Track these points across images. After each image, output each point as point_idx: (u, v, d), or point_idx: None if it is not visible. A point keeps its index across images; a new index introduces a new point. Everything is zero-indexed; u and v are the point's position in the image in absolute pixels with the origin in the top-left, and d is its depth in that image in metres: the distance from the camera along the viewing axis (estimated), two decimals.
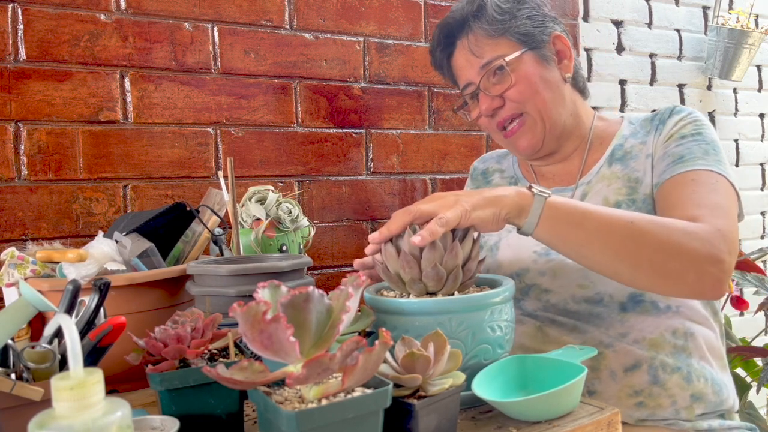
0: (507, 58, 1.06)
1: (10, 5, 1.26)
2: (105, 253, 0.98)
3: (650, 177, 1.04)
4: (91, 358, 0.72)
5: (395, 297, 0.80)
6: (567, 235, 0.87)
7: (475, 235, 0.84)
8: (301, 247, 1.29)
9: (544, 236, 0.87)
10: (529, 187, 0.87)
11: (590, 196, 1.09)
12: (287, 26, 1.55)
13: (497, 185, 1.27)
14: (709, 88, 2.36)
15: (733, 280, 1.76)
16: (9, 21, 1.26)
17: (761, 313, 2.46)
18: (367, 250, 0.85)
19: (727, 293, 1.66)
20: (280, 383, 0.60)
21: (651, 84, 2.20)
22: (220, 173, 1.27)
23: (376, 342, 0.55)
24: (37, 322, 0.97)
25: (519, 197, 0.86)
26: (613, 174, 1.09)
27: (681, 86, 2.29)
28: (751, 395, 1.76)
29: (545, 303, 1.07)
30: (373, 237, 0.82)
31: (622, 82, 2.14)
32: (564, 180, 1.16)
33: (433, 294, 0.80)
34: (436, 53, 1.18)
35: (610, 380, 1.01)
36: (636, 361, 1.00)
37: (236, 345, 0.73)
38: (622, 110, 2.13)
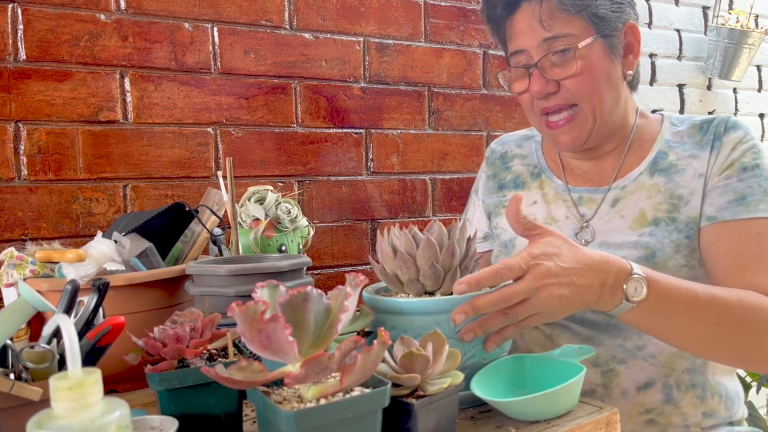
0: (580, 44, 0.96)
1: (10, 5, 1.26)
2: (104, 253, 0.98)
3: (699, 200, 0.98)
4: (90, 358, 0.72)
5: (395, 297, 0.79)
6: (646, 330, 0.86)
7: (471, 233, 0.84)
8: (301, 247, 1.29)
9: (622, 319, 0.83)
10: (626, 280, 0.79)
11: (623, 203, 1.03)
12: (287, 26, 1.55)
13: (516, 173, 1.19)
14: (709, 88, 2.36)
15: None
16: (9, 21, 1.26)
17: None
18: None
19: None
20: (279, 383, 0.60)
21: (651, 84, 2.20)
22: (220, 173, 1.27)
23: (375, 341, 0.55)
24: (36, 322, 0.97)
25: (612, 293, 0.79)
26: (654, 186, 1.01)
27: (681, 86, 2.29)
28: (751, 395, 1.76)
29: None
30: (465, 334, 0.74)
31: None
32: (595, 180, 1.09)
33: (431, 294, 0.80)
34: (496, 9, 1.04)
35: (621, 398, 0.98)
36: (649, 380, 0.97)
37: (235, 345, 0.73)
38: None
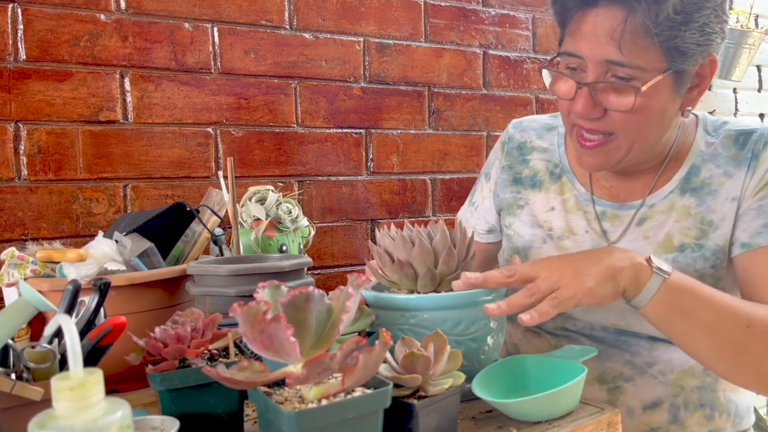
0: (646, 84, 0.82)
1: (10, 5, 1.26)
2: (105, 253, 0.98)
3: (730, 227, 0.90)
4: (91, 358, 0.72)
5: (395, 293, 0.79)
6: (674, 322, 0.80)
7: (471, 229, 0.84)
8: (301, 247, 1.29)
9: (651, 316, 0.80)
10: (648, 260, 0.79)
11: (649, 223, 0.95)
12: (287, 26, 1.55)
13: (534, 169, 1.08)
14: (709, 88, 2.35)
15: None
16: (9, 21, 1.26)
17: None
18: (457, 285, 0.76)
19: None
20: (281, 383, 0.60)
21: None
22: (220, 173, 1.27)
23: (377, 342, 0.55)
24: (37, 322, 0.97)
25: (636, 270, 0.78)
26: (684, 208, 0.93)
27: None
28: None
29: (570, 326, 1.00)
30: (492, 309, 0.73)
31: None
32: (621, 195, 0.99)
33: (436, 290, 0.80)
34: (567, 1, 0.87)
35: (626, 417, 0.93)
36: (657, 399, 0.94)
37: (236, 345, 0.73)
38: None
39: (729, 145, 0.94)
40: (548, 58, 0.99)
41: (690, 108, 0.90)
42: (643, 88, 0.82)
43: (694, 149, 0.96)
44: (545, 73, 0.92)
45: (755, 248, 0.88)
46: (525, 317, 0.72)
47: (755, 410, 1.19)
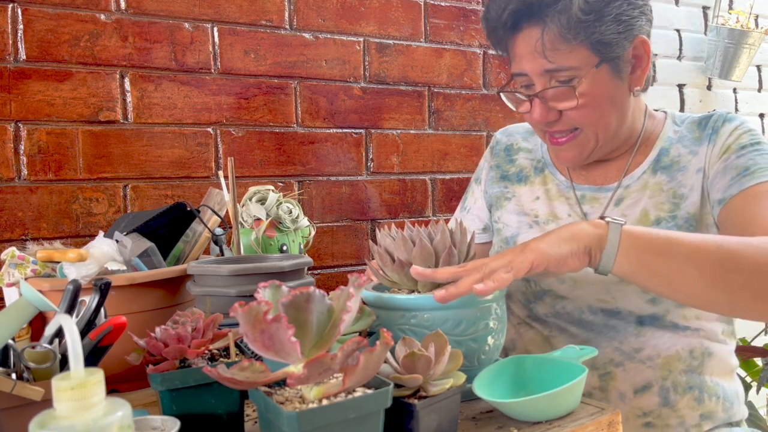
0: (581, 81, 0.92)
1: (10, 5, 1.26)
2: (105, 253, 0.98)
3: (698, 195, 0.97)
4: (92, 358, 0.72)
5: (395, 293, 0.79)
6: (654, 266, 0.78)
7: (470, 230, 0.84)
8: (302, 247, 1.29)
9: (627, 268, 0.78)
10: (602, 216, 0.81)
11: (627, 202, 1.02)
12: (287, 26, 1.55)
13: (520, 166, 1.17)
14: (709, 88, 2.36)
15: None
16: (9, 21, 1.26)
17: None
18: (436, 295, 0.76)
19: None
20: (281, 383, 0.60)
21: (651, 84, 2.20)
22: (221, 173, 1.27)
23: (377, 342, 0.55)
24: (38, 322, 0.97)
25: (593, 226, 0.79)
26: (657, 185, 1.01)
27: (681, 86, 2.29)
28: (751, 395, 1.76)
29: (559, 309, 1.03)
30: (440, 294, 0.72)
31: None
32: (598, 180, 1.07)
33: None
34: (497, 31, 0.98)
35: (618, 401, 0.97)
36: (646, 382, 0.97)
37: (237, 345, 0.73)
38: None
39: (693, 129, 1.04)
40: None
41: (638, 87, 0.99)
42: (579, 85, 0.92)
43: (663, 135, 1.05)
44: (504, 97, 1.03)
45: (729, 200, 0.93)
46: (478, 286, 0.70)
47: (751, 405, 1.19)
